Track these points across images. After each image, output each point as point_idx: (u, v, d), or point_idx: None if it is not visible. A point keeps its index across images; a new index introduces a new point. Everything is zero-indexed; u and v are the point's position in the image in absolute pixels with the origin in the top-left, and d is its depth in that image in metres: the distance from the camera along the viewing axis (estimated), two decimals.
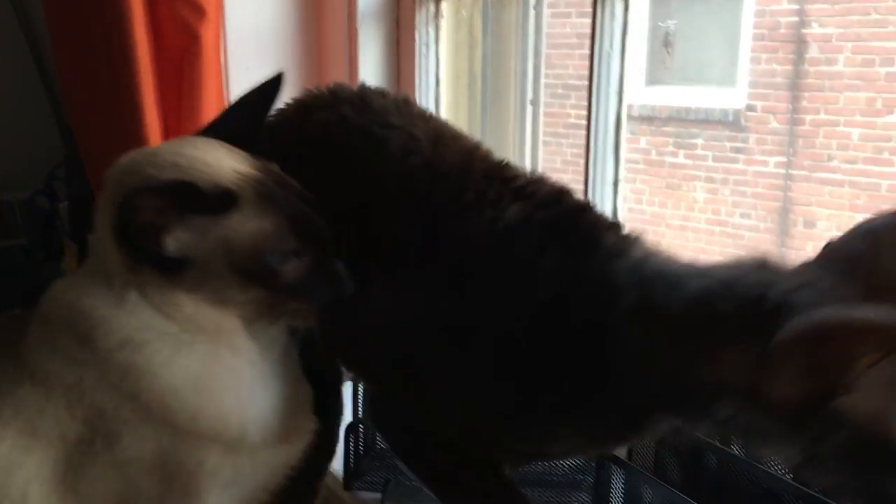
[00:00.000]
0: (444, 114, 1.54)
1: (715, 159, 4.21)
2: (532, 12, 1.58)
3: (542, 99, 1.70)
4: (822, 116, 3.81)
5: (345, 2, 1.47)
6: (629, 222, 0.80)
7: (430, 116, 0.89)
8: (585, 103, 1.21)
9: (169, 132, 1.36)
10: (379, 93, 0.89)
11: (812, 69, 3.82)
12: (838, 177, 3.76)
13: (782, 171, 3.97)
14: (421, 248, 0.79)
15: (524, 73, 1.64)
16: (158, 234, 0.70)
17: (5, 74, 2.20)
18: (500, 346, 0.74)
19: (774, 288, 0.61)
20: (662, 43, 4.38)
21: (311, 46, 1.52)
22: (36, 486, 0.75)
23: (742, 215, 4.11)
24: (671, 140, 4.37)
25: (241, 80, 1.40)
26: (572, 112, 4.20)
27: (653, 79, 4.44)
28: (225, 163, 0.74)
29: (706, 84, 4.29)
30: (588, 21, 1.19)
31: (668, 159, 4.38)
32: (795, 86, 3.88)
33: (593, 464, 1.08)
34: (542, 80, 1.68)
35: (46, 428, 0.75)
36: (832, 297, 0.59)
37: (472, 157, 0.83)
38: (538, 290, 0.73)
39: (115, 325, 0.75)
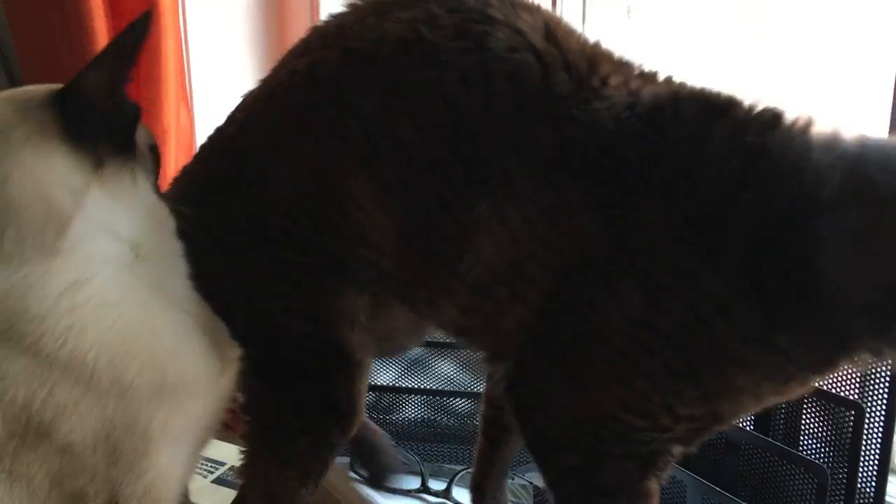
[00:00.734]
0: None
1: None
2: None
3: None
4: None
5: None
6: None
7: (538, 8, 0.74)
8: None
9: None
10: None
11: None
12: None
13: None
14: (552, 159, 0.66)
15: None
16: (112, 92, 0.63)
17: None
18: (675, 263, 0.62)
19: None
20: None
21: (269, 8, 1.50)
22: None
23: None
24: None
25: (200, 42, 1.39)
26: None
27: None
28: None
29: None
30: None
31: None
32: None
33: None
34: None
35: None
36: None
37: (591, 48, 0.70)
38: (714, 182, 0.62)
39: (43, 289, 0.61)
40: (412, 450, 1.11)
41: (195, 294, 0.72)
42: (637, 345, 0.63)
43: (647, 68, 0.71)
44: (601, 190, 0.65)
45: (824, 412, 0.86)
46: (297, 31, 1.48)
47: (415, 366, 1.18)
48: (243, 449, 0.86)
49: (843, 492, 0.84)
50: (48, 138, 0.63)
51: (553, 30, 0.70)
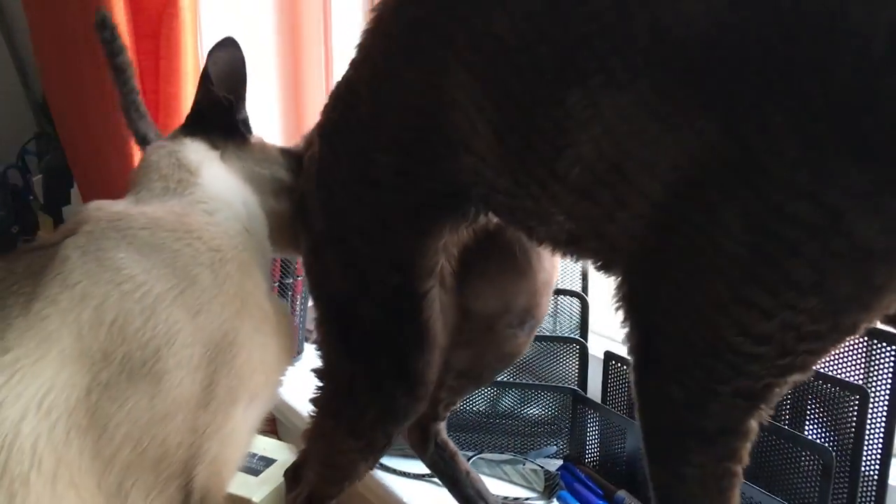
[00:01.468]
0: None
1: None
2: None
3: None
4: None
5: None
6: None
7: None
8: None
9: (146, 94, 1.36)
10: None
11: None
12: None
13: None
14: (648, 47, 0.59)
15: None
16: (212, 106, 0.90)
17: None
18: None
19: None
20: None
21: (284, 5, 1.53)
22: (35, 420, 0.63)
23: None
24: None
25: (216, 39, 1.41)
26: None
27: None
28: None
29: None
30: None
31: None
32: None
33: (569, 406, 1.12)
34: None
35: (63, 345, 0.64)
36: None
37: None
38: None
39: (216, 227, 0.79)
40: None
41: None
42: (761, 257, 0.57)
43: None
44: (710, 88, 0.57)
45: (829, 396, 0.88)
46: (311, 28, 1.52)
47: None
48: (311, 413, 0.89)
49: (847, 475, 0.86)
50: (182, 135, 0.90)
51: None
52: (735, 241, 0.57)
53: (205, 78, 0.88)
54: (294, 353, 0.89)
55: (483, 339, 0.95)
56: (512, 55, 0.66)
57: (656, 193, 0.60)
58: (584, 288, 1.20)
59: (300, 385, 0.93)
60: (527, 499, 1.05)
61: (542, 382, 1.16)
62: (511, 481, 1.09)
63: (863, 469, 0.86)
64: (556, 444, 1.13)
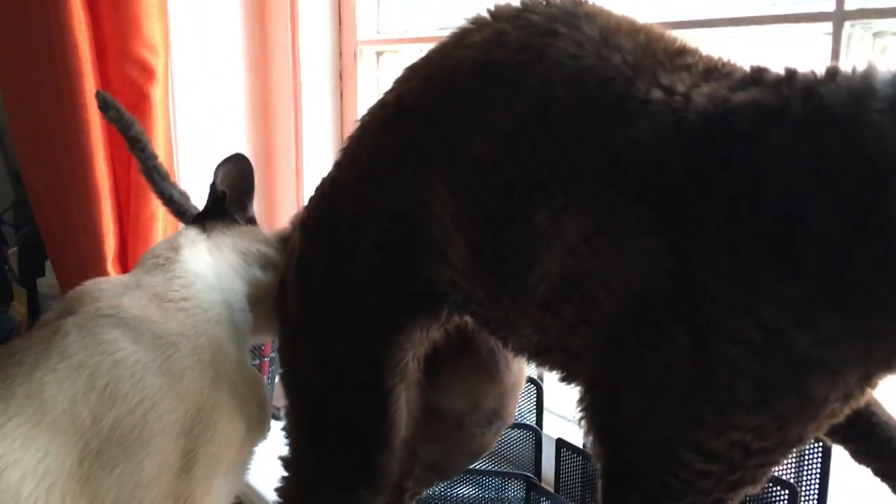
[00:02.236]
0: None
1: None
2: None
3: None
4: None
5: (289, 59, 1.55)
6: None
7: (600, 12, 0.72)
8: None
9: (118, 183, 1.41)
10: (542, 2, 0.74)
11: None
12: None
13: None
14: (604, 172, 0.63)
15: None
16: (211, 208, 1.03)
17: None
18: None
19: None
20: None
21: (257, 103, 1.59)
22: (33, 484, 0.69)
23: None
24: None
25: (189, 135, 1.47)
26: None
27: None
28: None
29: None
30: None
31: None
32: None
33: (523, 494, 1.15)
34: None
35: (58, 412, 0.72)
36: None
37: (650, 45, 0.67)
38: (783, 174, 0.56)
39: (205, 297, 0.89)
40: None
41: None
42: (708, 376, 0.59)
43: (705, 55, 0.66)
44: (657, 210, 0.60)
45: (760, 492, 0.92)
46: (281, 127, 1.58)
47: None
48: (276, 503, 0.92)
49: None
50: (187, 226, 1.03)
51: (614, 33, 0.68)
52: (683, 358, 0.59)
53: (212, 183, 1.01)
54: (266, 425, 0.92)
55: (452, 435, 0.99)
56: (487, 174, 0.70)
57: (613, 310, 0.63)
58: (540, 374, 1.25)
59: (266, 468, 0.96)
60: None
61: (497, 468, 1.20)
62: None
63: None
64: None
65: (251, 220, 1.05)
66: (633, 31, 0.68)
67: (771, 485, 0.91)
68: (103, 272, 1.38)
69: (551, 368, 0.75)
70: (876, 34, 0.94)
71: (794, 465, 0.93)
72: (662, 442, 0.63)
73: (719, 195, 0.58)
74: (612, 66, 0.65)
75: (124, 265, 1.42)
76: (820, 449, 0.91)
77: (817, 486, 0.91)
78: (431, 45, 0.79)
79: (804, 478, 0.92)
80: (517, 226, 0.68)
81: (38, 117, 1.51)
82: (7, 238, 2.22)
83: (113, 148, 1.39)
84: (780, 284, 0.56)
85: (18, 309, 1.95)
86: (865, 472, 0.75)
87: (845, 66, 0.57)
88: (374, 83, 1.61)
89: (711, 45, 0.85)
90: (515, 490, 1.17)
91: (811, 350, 0.56)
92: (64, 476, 0.70)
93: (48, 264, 1.80)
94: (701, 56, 0.66)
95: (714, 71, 0.64)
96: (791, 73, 0.59)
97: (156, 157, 1.05)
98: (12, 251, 2.08)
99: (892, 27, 0.93)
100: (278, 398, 1.43)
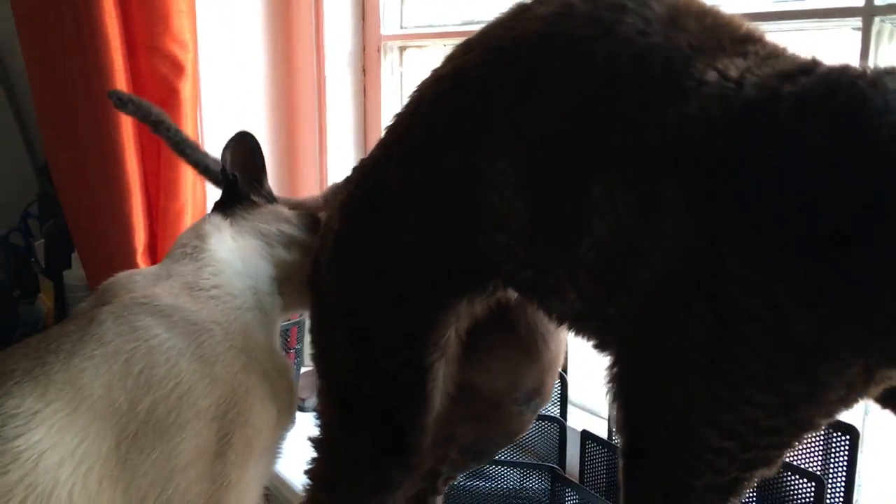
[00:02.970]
0: None
1: None
2: None
3: None
4: None
5: (313, 55, 1.57)
6: None
7: None
8: None
9: (148, 177, 1.43)
10: None
11: None
12: None
13: None
14: (653, 150, 0.65)
15: None
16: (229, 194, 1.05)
17: None
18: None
19: None
20: None
21: (281, 99, 1.61)
22: (71, 468, 0.71)
23: None
24: None
25: (215, 131, 1.49)
26: None
27: None
28: None
29: None
30: None
31: None
32: None
33: (548, 485, 1.16)
34: None
35: (95, 398, 0.74)
36: None
37: (713, 32, 0.68)
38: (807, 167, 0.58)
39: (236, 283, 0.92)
40: None
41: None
42: (725, 351, 0.62)
43: (769, 43, 0.67)
44: (693, 190, 0.63)
45: (785, 484, 0.93)
46: (305, 124, 1.59)
47: None
48: (306, 486, 0.92)
49: None
50: (211, 216, 1.03)
51: (682, 13, 0.68)
52: (706, 334, 0.62)
53: (222, 168, 1.02)
54: (295, 411, 0.94)
55: (490, 415, 0.99)
56: (550, 144, 0.71)
57: (649, 283, 0.65)
58: (564, 366, 1.26)
59: (293, 456, 0.97)
60: None
61: (521, 459, 1.21)
62: None
63: None
64: None
65: (270, 197, 1.06)
66: (701, 13, 0.69)
67: (797, 477, 0.92)
68: (133, 265, 1.40)
69: (588, 336, 0.77)
70: None
71: (820, 457, 0.94)
72: (682, 415, 0.65)
73: (751, 179, 0.60)
74: (676, 45, 0.66)
75: (153, 258, 1.44)
76: (847, 441, 0.91)
77: (844, 478, 0.91)
78: (455, 41, 0.79)
79: (830, 470, 0.92)
80: (576, 195, 0.69)
81: (68, 112, 1.53)
82: (33, 230, 2.26)
83: (143, 143, 1.41)
84: (792, 266, 0.58)
85: (45, 301, 1.98)
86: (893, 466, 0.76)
87: (877, 62, 0.58)
88: (397, 78, 1.62)
89: None
90: (540, 481, 1.18)
91: (814, 333, 0.58)
92: (101, 460, 0.72)
93: (74, 256, 1.82)
94: (764, 43, 0.67)
95: (772, 59, 0.65)
96: (843, 68, 0.61)
97: (181, 132, 1.07)
98: (39, 243, 2.11)
99: None
100: (302, 389, 1.45)
